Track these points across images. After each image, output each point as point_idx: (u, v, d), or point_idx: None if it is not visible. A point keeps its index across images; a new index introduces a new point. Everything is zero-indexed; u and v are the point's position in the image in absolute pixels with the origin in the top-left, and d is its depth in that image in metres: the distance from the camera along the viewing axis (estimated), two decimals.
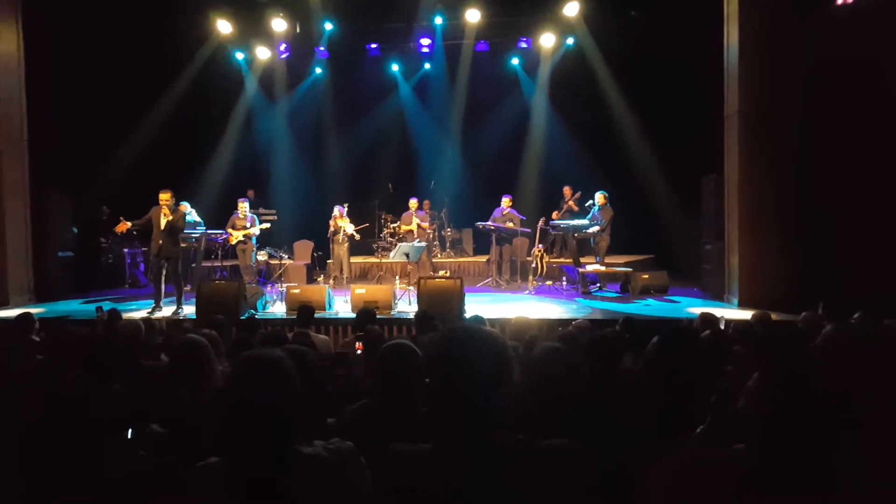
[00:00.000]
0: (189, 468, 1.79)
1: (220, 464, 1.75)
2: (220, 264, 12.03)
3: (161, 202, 9.09)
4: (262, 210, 13.63)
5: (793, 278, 8.68)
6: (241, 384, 1.76)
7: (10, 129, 10.55)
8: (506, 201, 11.85)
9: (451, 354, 1.65)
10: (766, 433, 1.61)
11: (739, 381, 3.25)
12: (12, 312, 7.88)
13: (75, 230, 12.19)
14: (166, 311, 9.04)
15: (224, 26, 13.05)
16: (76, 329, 5.30)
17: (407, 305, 9.39)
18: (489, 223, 11.73)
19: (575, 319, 6.72)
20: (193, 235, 11.44)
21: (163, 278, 9.20)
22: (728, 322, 6.47)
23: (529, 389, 2.17)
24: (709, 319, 5.40)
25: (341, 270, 12.24)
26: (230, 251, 11.98)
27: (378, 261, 12.84)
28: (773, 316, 6.17)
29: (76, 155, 12.19)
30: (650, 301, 9.98)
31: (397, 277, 10.98)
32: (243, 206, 11.55)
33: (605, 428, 2.02)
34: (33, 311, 6.73)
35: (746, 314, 7.48)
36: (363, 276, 13.45)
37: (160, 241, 9.08)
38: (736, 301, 9.33)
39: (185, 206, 10.48)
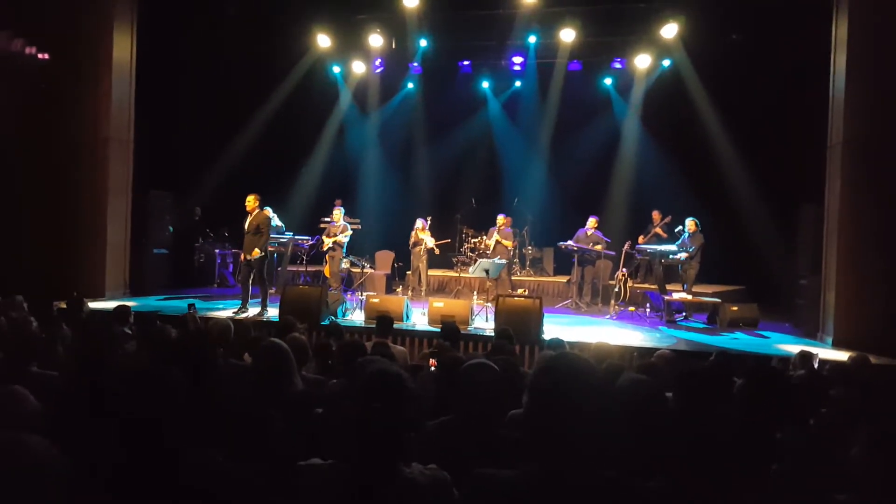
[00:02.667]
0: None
1: (325, 468, 1.78)
2: (304, 269, 12.33)
3: (247, 205, 9.46)
4: (347, 219, 13.92)
5: (893, 319, 8.15)
6: (367, 397, 1.79)
7: (120, 131, 11.16)
8: (592, 222, 11.65)
9: (557, 384, 1.60)
10: (881, 490, 1.49)
11: (837, 426, 3.07)
12: (108, 304, 8.29)
13: (171, 229, 12.76)
14: (252, 311, 9.34)
15: (324, 41, 13.47)
16: (166, 326, 5.54)
17: (484, 322, 9.35)
18: (572, 243, 11.55)
19: (658, 349, 6.51)
20: (280, 240, 11.77)
21: (250, 280, 9.51)
22: (823, 362, 6.12)
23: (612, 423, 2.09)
24: (807, 358, 5.12)
25: (419, 282, 12.34)
26: (315, 257, 12.24)
27: (457, 275, 12.85)
28: (872, 359, 5.80)
29: (177, 158, 12.83)
30: (739, 334, 9.55)
31: (475, 293, 10.97)
32: (338, 214, 11.79)
33: (692, 466, 1.92)
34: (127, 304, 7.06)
35: (840, 354, 7.08)
36: (441, 289, 13.49)
37: (245, 244, 9.44)
38: (830, 340, 8.82)
39: (268, 211, 10.80)
